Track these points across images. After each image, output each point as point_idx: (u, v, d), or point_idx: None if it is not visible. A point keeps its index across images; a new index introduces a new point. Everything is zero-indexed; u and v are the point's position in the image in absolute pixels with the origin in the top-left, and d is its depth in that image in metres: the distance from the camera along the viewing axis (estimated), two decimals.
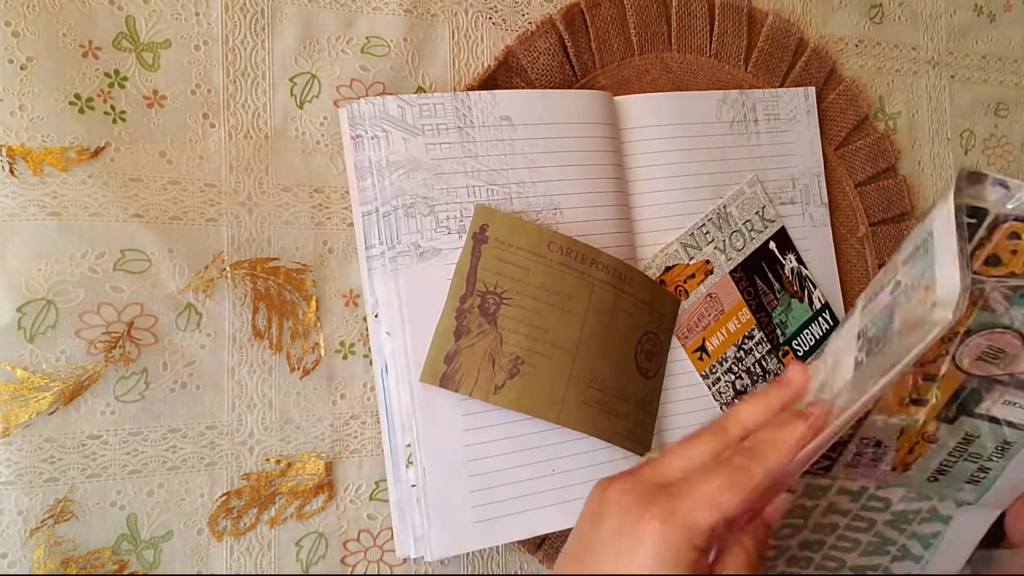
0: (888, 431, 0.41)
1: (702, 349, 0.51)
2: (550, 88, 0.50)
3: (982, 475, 0.41)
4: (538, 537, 0.48)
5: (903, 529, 0.42)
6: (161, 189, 0.43)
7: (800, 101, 0.56)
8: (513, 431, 0.45)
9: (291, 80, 0.46)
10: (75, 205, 0.41)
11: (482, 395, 0.44)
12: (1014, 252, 0.39)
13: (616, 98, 0.51)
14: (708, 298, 0.51)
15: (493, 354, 0.45)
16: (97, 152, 0.42)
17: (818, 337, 0.54)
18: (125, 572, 0.42)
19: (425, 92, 0.48)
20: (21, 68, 0.41)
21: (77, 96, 0.42)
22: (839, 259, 0.56)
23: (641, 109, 0.51)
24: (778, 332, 0.53)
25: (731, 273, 0.52)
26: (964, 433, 0.40)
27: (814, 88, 0.56)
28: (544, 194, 0.47)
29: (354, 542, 0.46)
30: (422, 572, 0.47)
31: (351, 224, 0.47)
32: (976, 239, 0.39)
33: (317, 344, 0.46)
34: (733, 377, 0.51)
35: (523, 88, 0.50)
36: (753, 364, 0.52)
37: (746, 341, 0.52)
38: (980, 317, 0.40)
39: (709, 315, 0.51)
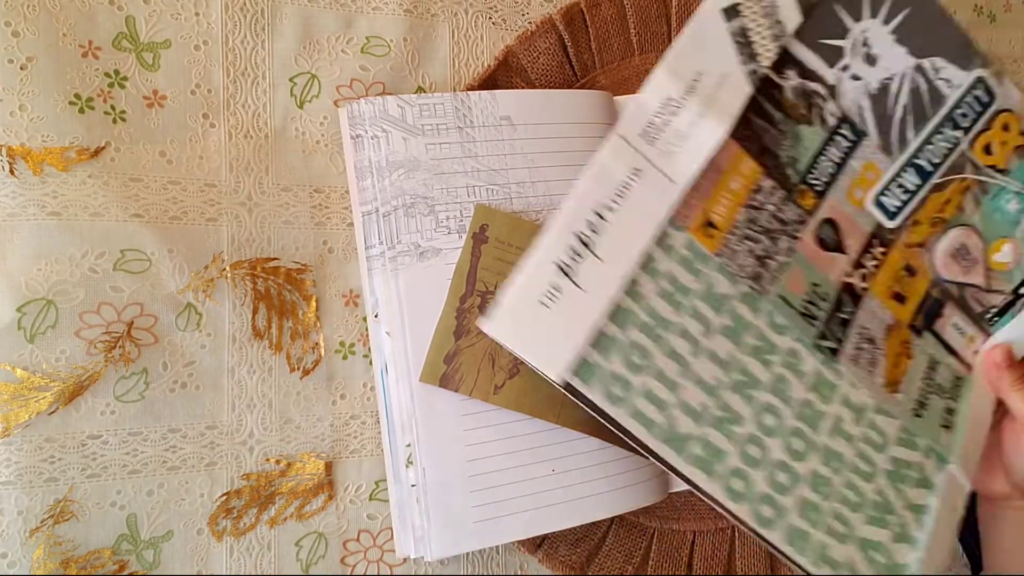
0: (878, 323, 0.45)
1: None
2: (550, 88, 0.50)
3: (950, 418, 0.45)
4: (538, 537, 0.48)
5: (900, 491, 0.43)
6: (161, 189, 0.43)
7: None
8: (513, 431, 0.45)
9: (291, 80, 0.46)
10: (75, 205, 0.41)
11: (482, 395, 0.44)
12: (1003, 144, 0.42)
13: (616, 98, 0.51)
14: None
15: (493, 354, 0.45)
16: (97, 152, 0.42)
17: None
18: (125, 572, 0.42)
19: (425, 92, 0.48)
20: (21, 68, 0.41)
21: (77, 96, 0.42)
22: None
23: None
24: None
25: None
26: (929, 357, 0.44)
27: None
28: (544, 194, 0.47)
29: (354, 542, 0.46)
30: (422, 572, 0.47)
31: (351, 224, 0.47)
32: (978, 126, 0.43)
33: (317, 344, 0.46)
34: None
35: (523, 88, 0.50)
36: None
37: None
38: (957, 216, 0.43)
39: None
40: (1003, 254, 0.46)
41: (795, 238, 0.43)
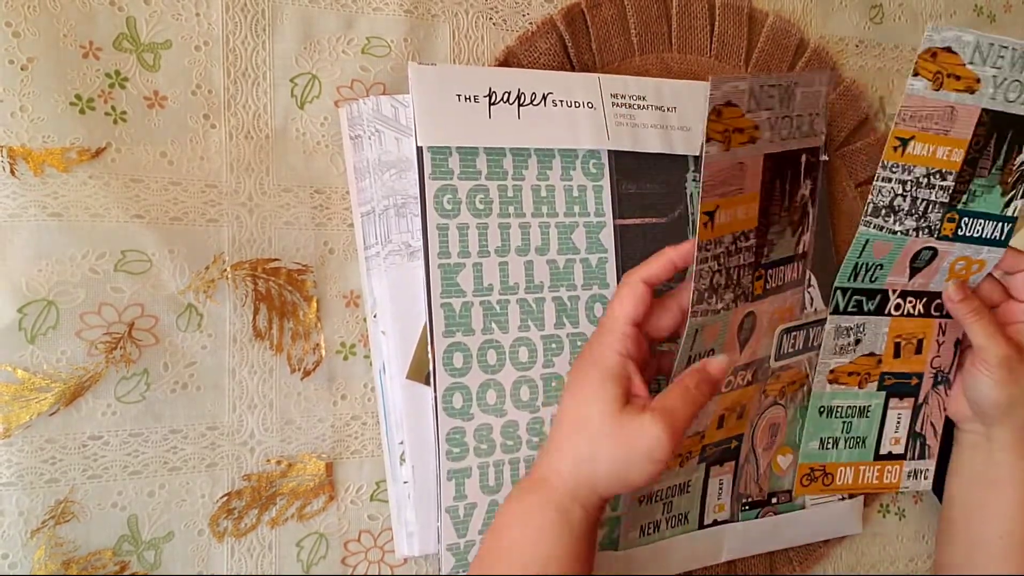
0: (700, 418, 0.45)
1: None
2: None
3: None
4: None
5: None
6: (162, 190, 0.43)
7: None
8: None
9: (292, 81, 0.46)
10: (76, 206, 0.41)
11: None
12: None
13: None
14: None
15: None
16: (98, 153, 0.42)
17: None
18: (126, 573, 0.42)
19: None
20: (22, 69, 0.41)
21: (78, 97, 0.42)
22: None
23: None
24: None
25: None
26: (693, 480, 0.48)
27: None
28: None
29: (355, 543, 0.46)
30: (422, 572, 0.47)
31: (351, 225, 0.47)
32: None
33: (318, 345, 0.46)
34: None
35: None
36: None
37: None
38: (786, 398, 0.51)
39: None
40: (786, 459, 0.51)
41: (735, 303, 0.43)
